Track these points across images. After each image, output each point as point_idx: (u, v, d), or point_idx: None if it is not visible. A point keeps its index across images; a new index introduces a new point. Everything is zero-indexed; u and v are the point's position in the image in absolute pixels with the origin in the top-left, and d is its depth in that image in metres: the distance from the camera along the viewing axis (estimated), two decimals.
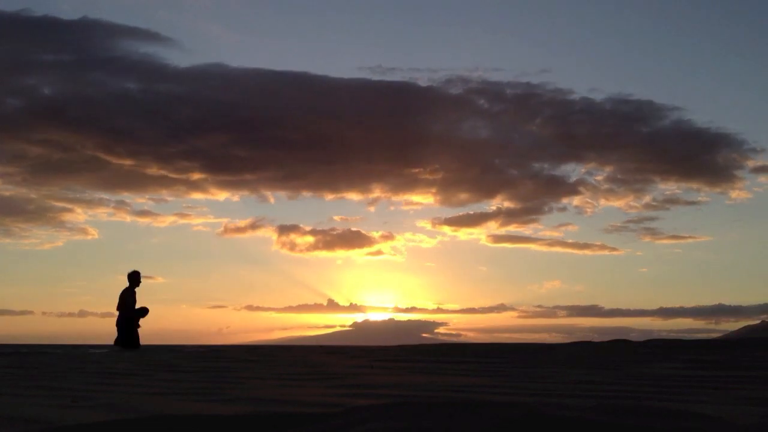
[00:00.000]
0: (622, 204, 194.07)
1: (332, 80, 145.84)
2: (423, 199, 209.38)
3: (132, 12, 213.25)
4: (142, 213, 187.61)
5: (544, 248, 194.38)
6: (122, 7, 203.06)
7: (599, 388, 33.57)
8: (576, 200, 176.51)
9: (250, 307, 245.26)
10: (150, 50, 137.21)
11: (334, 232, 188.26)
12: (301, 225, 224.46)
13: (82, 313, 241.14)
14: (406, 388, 33.55)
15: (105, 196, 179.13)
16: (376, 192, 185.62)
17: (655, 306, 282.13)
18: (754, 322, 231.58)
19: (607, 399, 23.66)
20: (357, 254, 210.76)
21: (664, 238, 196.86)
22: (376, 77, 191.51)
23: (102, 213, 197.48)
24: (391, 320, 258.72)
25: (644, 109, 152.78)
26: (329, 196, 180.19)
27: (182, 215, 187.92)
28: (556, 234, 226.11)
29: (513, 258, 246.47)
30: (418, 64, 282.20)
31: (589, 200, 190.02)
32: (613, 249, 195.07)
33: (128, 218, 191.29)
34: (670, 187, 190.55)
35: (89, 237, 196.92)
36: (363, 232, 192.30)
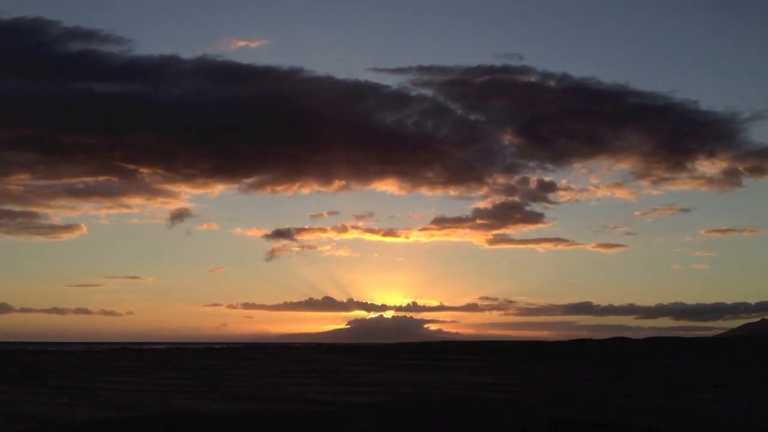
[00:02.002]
0: (621, 201, 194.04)
1: (302, 76, 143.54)
2: (421, 197, 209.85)
3: (75, 8, 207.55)
4: (122, 215, 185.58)
5: (540, 247, 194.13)
6: (65, 4, 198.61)
7: (599, 386, 33.29)
8: (571, 199, 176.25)
9: (246, 305, 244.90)
10: (92, 47, 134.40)
11: (330, 230, 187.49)
12: (295, 223, 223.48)
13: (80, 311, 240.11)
14: (404, 386, 33.32)
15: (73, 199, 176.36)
16: (372, 190, 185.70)
17: (652, 303, 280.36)
18: (755, 320, 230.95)
19: (606, 397, 23.60)
20: (356, 253, 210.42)
21: (662, 236, 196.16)
22: (344, 76, 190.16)
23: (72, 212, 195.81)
24: (389, 318, 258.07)
25: (643, 107, 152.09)
26: (320, 194, 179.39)
27: (166, 213, 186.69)
28: (551, 233, 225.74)
29: (509, 257, 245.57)
30: (377, 64, 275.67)
31: (585, 199, 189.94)
32: (610, 246, 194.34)
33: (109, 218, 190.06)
34: (669, 186, 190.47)
35: (76, 236, 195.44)
36: (361, 230, 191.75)
